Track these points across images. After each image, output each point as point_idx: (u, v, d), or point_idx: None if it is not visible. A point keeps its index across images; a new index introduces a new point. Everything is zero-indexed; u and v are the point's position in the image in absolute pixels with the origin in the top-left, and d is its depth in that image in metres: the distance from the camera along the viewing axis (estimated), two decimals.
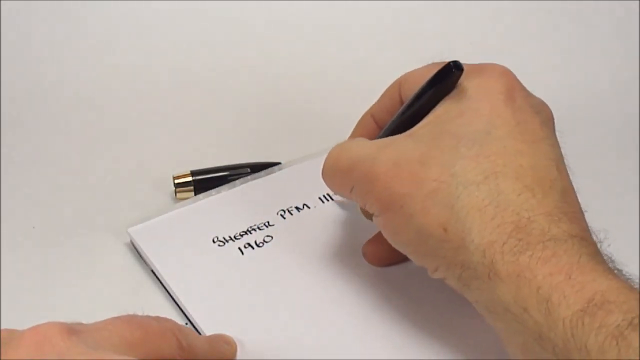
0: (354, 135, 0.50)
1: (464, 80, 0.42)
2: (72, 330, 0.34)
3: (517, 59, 0.70)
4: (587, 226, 0.39)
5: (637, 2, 0.71)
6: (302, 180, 0.56)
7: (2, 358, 0.33)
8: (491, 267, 0.37)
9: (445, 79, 0.42)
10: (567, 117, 0.65)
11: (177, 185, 0.56)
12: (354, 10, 0.73)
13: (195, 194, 0.56)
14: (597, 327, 0.33)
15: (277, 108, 0.67)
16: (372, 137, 0.47)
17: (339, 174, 0.44)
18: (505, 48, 0.71)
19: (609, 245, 0.40)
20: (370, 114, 0.49)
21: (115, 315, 0.38)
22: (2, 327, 0.44)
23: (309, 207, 0.54)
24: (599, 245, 0.39)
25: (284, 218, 0.53)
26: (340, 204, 0.53)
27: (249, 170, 0.57)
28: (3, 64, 0.67)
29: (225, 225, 0.52)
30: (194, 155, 0.60)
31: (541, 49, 0.72)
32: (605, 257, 0.38)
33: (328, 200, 0.54)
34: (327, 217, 0.53)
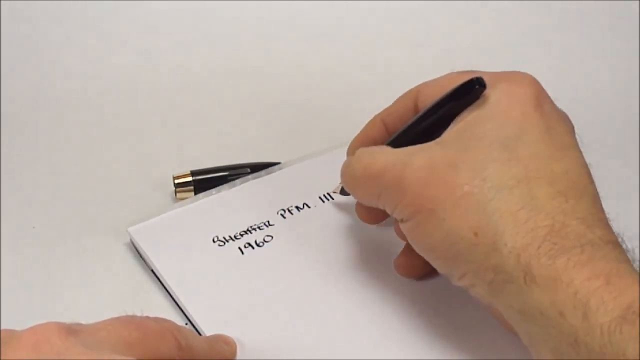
0: (361, 137, 0.50)
1: (492, 86, 0.42)
2: (71, 330, 0.34)
3: (517, 59, 0.71)
4: (615, 234, 0.39)
5: (637, 2, 0.71)
6: (302, 179, 0.56)
7: (1, 358, 0.33)
8: (527, 270, 0.37)
9: (467, 95, 0.42)
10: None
11: (177, 185, 0.56)
12: (354, 10, 0.73)
13: (195, 194, 0.55)
14: (636, 335, 0.33)
15: (277, 108, 0.67)
16: (380, 141, 0.47)
17: (369, 180, 0.44)
18: (505, 48, 0.71)
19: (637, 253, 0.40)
20: (381, 118, 0.49)
21: (115, 315, 0.38)
22: (2, 327, 0.44)
23: (309, 207, 0.54)
24: (630, 254, 0.39)
25: (284, 218, 0.53)
26: (340, 203, 0.53)
27: (249, 170, 0.57)
28: (3, 64, 0.67)
29: (225, 225, 0.52)
30: (194, 155, 0.60)
31: (541, 49, 0.72)
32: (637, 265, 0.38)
33: (328, 200, 0.54)
34: (327, 217, 0.53)
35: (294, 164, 0.57)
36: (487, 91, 0.42)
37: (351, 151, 0.49)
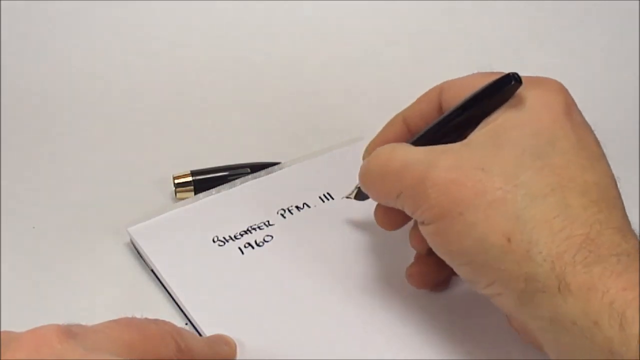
0: (383, 136, 0.48)
1: (522, 90, 0.41)
2: (70, 332, 0.34)
3: (517, 59, 0.71)
4: None
5: (637, 2, 0.71)
6: (302, 179, 0.56)
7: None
8: (562, 278, 0.36)
9: (502, 91, 0.41)
10: None
11: (177, 185, 0.56)
12: (355, 10, 0.73)
13: (195, 194, 0.55)
14: None
15: (277, 108, 0.67)
16: (402, 141, 0.45)
17: (388, 178, 0.42)
18: (505, 48, 0.71)
19: None
20: (403, 117, 0.47)
21: (115, 315, 0.38)
22: (2, 326, 0.44)
23: (309, 207, 0.54)
24: None
25: (284, 217, 0.53)
26: (340, 203, 0.53)
27: (249, 170, 0.57)
28: (3, 64, 0.67)
29: (225, 225, 0.52)
30: (194, 155, 0.60)
31: (541, 49, 0.72)
32: None
33: (328, 200, 0.54)
34: (327, 216, 0.53)
35: (294, 164, 0.57)
36: (520, 94, 0.41)
37: (369, 152, 0.47)
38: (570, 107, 0.41)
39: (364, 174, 0.44)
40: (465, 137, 0.41)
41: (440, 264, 0.42)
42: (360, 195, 0.49)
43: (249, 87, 0.68)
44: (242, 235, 0.51)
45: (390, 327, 0.46)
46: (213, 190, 0.55)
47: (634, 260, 0.36)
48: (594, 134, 0.41)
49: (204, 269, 0.49)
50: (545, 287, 0.36)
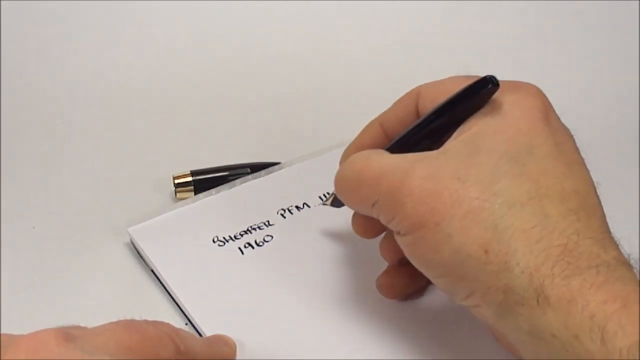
0: (359, 142, 0.47)
1: (498, 95, 0.40)
2: (69, 336, 0.34)
3: (516, 60, 0.71)
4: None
5: (637, 2, 0.71)
6: (302, 179, 0.56)
7: None
8: (540, 291, 0.35)
9: (479, 94, 0.39)
10: (566, 117, 0.66)
11: (177, 185, 0.56)
12: (355, 11, 0.73)
13: (195, 194, 0.55)
14: None
15: (278, 108, 0.67)
16: (379, 147, 0.44)
17: (364, 186, 0.41)
18: (505, 48, 0.71)
19: None
20: (379, 122, 0.46)
21: (115, 315, 0.38)
22: (2, 325, 0.44)
23: (309, 206, 0.54)
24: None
25: (284, 217, 0.53)
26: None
27: (249, 170, 0.57)
28: (3, 64, 0.67)
29: (225, 225, 0.52)
30: (194, 155, 0.60)
31: (540, 49, 0.72)
32: None
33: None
34: (327, 216, 0.52)
35: (294, 164, 0.57)
36: (497, 99, 0.40)
37: (345, 158, 0.46)
38: (548, 112, 0.40)
39: (339, 182, 0.43)
40: (443, 142, 0.40)
41: (412, 274, 0.42)
42: (336, 202, 0.48)
43: (249, 87, 0.68)
44: (242, 235, 0.51)
45: (390, 327, 0.46)
46: (213, 190, 0.55)
47: (613, 271, 0.35)
48: (573, 140, 0.41)
49: (204, 269, 0.49)
50: (524, 299, 0.35)
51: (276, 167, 0.57)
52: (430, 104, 0.42)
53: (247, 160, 0.58)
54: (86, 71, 0.68)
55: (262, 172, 0.57)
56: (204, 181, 0.56)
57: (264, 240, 0.51)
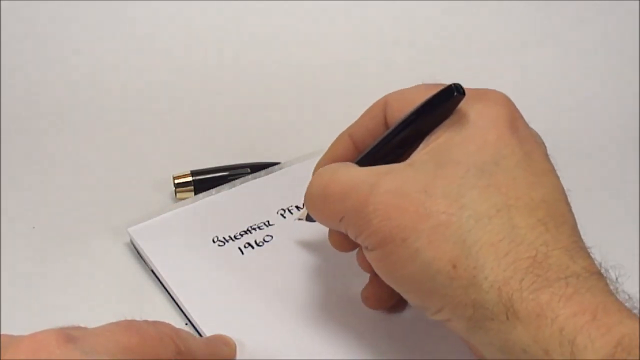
0: (329, 156, 0.46)
1: (464, 104, 0.39)
2: (69, 336, 0.34)
3: (517, 59, 0.71)
4: (597, 264, 0.37)
5: (637, 2, 0.71)
6: (302, 179, 0.55)
7: None
8: (509, 305, 0.34)
9: (445, 103, 0.39)
10: (566, 117, 0.66)
11: (177, 185, 0.56)
12: (355, 11, 0.73)
13: (195, 194, 0.55)
14: None
15: (277, 108, 0.67)
16: (350, 159, 0.44)
17: (330, 201, 0.40)
18: (505, 48, 0.71)
19: (622, 283, 0.38)
20: (349, 133, 0.45)
21: (115, 315, 0.38)
22: (2, 325, 0.44)
23: None
24: (614, 284, 0.37)
25: (284, 217, 0.53)
26: None
27: (249, 170, 0.57)
28: (3, 64, 0.67)
29: (225, 225, 0.52)
30: (194, 155, 0.60)
31: (541, 49, 0.72)
32: (623, 296, 0.36)
33: None
34: None
35: (294, 164, 0.57)
36: (462, 109, 0.39)
37: (316, 172, 0.45)
38: (515, 120, 0.39)
39: (307, 197, 0.42)
40: (411, 152, 0.40)
41: None
42: (310, 217, 0.46)
43: (249, 87, 0.68)
44: (242, 235, 0.51)
45: (390, 327, 0.46)
46: (213, 191, 0.55)
47: (583, 282, 0.34)
48: (542, 147, 0.40)
49: (204, 269, 0.49)
50: (494, 314, 0.35)
51: (276, 167, 0.57)
52: (397, 113, 0.42)
53: (247, 160, 0.58)
54: (86, 71, 0.68)
55: (262, 172, 0.57)
56: (204, 181, 0.56)
57: (264, 240, 0.51)
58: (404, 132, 0.40)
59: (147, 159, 0.61)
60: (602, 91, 0.68)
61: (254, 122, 0.65)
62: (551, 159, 0.40)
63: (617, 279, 0.37)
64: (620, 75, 0.69)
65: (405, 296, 0.39)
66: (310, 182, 0.42)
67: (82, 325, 0.37)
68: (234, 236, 0.51)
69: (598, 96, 0.68)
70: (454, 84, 0.38)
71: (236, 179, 0.56)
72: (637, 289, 0.49)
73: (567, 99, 0.67)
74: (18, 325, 0.37)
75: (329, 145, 0.58)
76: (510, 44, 0.72)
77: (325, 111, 0.66)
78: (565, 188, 0.39)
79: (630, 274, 0.51)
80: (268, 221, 0.52)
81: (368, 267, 0.42)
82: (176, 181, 0.56)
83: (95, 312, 0.47)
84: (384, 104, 0.43)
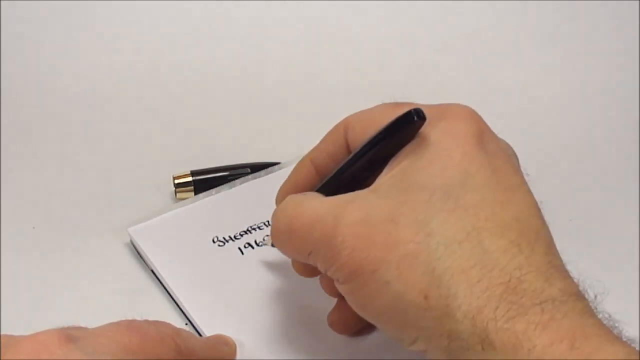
0: (291, 182, 0.45)
1: (427, 124, 0.37)
2: (70, 337, 0.34)
3: (517, 59, 0.71)
4: (573, 280, 0.35)
5: (637, 2, 0.71)
6: None
7: None
8: (484, 336, 0.33)
9: (405, 129, 0.37)
10: (566, 117, 0.66)
11: (177, 185, 0.56)
12: (354, 11, 0.73)
13: (195, 194, 0.55)
14: None
15: (277, 108, 0.67)
16: (312, 184, 0.43)
17: (296, 236, 0.39)
18: (506, 48, 0.71)
19: (601, 301, 0.36)
20: (310, 158, 0.44)
21: (115, 315, 0.38)
22: (2, 326, 0.44)
23: None
24: (593, 303, 0.35)
25: None
26: None
27: (249, 170, 0.57)
28: (3, 64, 0.67)
29: (225, 225, 0.52)
30: (194, 155, 0.60)
31: (541, 49, 0.72)
32: (603, 315, 0.35)
33: None
34: None
35: (294, 164, 0.57)
36: (424, 130, 0.37)
37: (279, 199, 0.44)
38: (482, 135, 0.38)
39: (272, 233, 0.41)
40: (377, 176, 0.38)
41: None
42: None
43: (249, 87, 0.68)
44: (242, 235, 0.51)
45: None
46: (213, 191, 0.55)
47: (560, 306, 0.33)
48: (513, 159, 0.39)
49: (204, 269, 0.49)
50: (469, 344, 0.33)
51: (276, 167, 0.57)
52: (359, 137, 0.40)
53: (247, 160, 0.58)
54: (86, 71, 0.68)
55: (262, 172, 0.57)
56: (204, 181, 0.56)
57: (264, 240, 0.51)
58: (366, 158, 0.39)
59: (147, 159, 0.61)
60: (602, 91, 0.68)
61: (254, 122, 0.65)
62: (523, 171, 0.38)
63: (595, 297, 0.36)
64: (620, 75, 0.69)
65: (379, 327, 0.38)
66: (275, 217, 0.41)
67: (82, 325, 0.37)
68: (234, 236, 0.51)
69: (598, 96, 0.68)
70: (414, 109, 0.37)
71: (236, 179, 0.56)
72: (638, 288, 0.49)
73: (567, 99, 0.67)
74: (18, 325, 0.37)
75: None
76: (510, 43, 0.72)
77: (325, 111, 0.66)
78: (537, 200, 0.37)
79: (630, 274, 0.51)
80: (268, 221, 0.52)
81: (333, 292, 0.41)
82: (176, 181, 0.56)
83: (95, 313, 0.47)
84: (344, 127, 0.42)
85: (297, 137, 0.63)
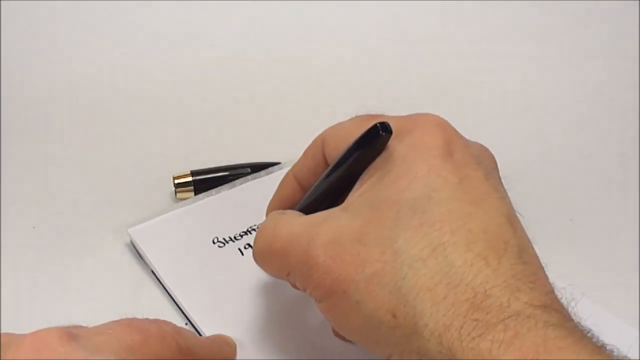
0: (277, 198, 0.46)
1: (395, 138, 0.37)
2: (72, 335, 0.34)
3: (517, 59, 0.71)
4: (550, 287, 0.35)
5: (637, 2, 0.71)
6: None
7: None
8: (450, 355, 0.32)
9: (372, 143, 0.37)
10: (566, 117, 0.66)
11: (177, 185, 0.56)
12: (355, 11, 0.73)
13: (195, 194, 0.56)
14: None
15: (277, 108, 0.67)
16: (297, 199, 0.43)
17: (275, 258, 0.39)
18: (505, 48, 0.71)
19: (575, 305, 0.35)
20: (293, 173, 0.44)
21: (115, 316, 0.38)
22: (2, 326, 0.44)
23: None
24: (567, 307, 0.34)
25: None
26: None
27: (249, 170, 0.57)
28: (3, 64, 0.67)
29: (225, 226, 0.52)
30: (194, 155, 0.60)
31: (541, 49, 0.72)
32: (575, 319, 0.34)
33: None
34: None
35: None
36: (392, 143, 0.37)
37: (267, 216, 0.45)
38: (449, 144, 0.37)
39: (255, 253, 0.42)
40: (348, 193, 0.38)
41: None
42: None
43: (249, 87, 0.68)
44: (242, 236, 0.51)
45: None
46: (213, 191, 0.55)
47: (524, 321, 0.32)
48: (485, 165, 0.38)
49: (204, 270, 0.49)
50: None
51: (276, 167, 0.57)
52: (334, 151, 0.41)
53: (247, 160, 0.58)
54: (86, 71, 0.68)
55: (262, 172, 0.57)
56: (204, 181, 0.56)
57: None
58: (338, 174, 0.39)
59: (147, 159, 0.61)
60: (602, 91, 0.68)
61: (254, 122, 0.65)
62: (501, 176, 0.38)
63: (569, 302, 0.35)
64: (620, 75, 0.69)
65: (358, 344, 0.38)
66: (256, 238, 0.41)
67: (83, 325, 0.37)
68: (234, 237, 0.51)
69: (598, 96, 0.68)
70: (380, 122, 0.37)
71: (236, 179, 0.56)
72: (638, 289, 0.49)
73: (567, 99, 0.67)
74: (18, 325, 0.37)
75: None
76: (510, 44, 0.72)
77: (325, 111, 0.66)
78: (516, 211, 0.37)
79: (630, 274, 0.51)
80: None
81: None
82: (176, 181, 0.56)
83: (95, 313, 0.47)
84: (321, 141, 0.42)
85: (297, 137, 0.63)
